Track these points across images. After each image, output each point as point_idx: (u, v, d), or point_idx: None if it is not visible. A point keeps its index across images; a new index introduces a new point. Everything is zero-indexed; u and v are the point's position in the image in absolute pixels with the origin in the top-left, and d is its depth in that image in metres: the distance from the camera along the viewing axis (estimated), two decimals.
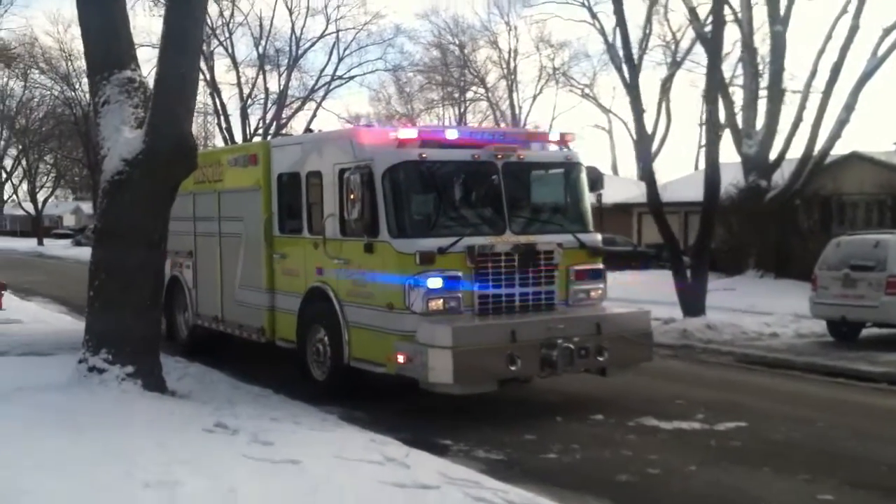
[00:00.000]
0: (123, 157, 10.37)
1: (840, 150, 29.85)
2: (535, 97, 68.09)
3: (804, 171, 27.88)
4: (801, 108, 29.23)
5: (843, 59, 26.44)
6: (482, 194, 11.54)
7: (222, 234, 14.88)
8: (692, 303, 19.83)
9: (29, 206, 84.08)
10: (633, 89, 21.02)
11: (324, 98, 57.50)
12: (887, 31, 27.07)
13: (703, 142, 23.99)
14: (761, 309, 22.66)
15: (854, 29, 25.39)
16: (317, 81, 56.60)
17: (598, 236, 11.98)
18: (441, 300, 10.76)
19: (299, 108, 57.31)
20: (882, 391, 13.22)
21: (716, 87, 20.58)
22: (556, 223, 11.92)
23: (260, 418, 9.86)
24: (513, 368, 10.39)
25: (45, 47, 62.49)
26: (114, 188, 10.43)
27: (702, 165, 52.05)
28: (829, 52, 29.00)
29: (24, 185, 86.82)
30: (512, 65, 66.54)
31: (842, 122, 27.99)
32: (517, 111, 66.28)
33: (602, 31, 45.78)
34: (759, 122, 29.80)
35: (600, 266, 11.95)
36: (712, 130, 20.14)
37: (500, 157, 11.34)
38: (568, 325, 10.82)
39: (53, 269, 44.64)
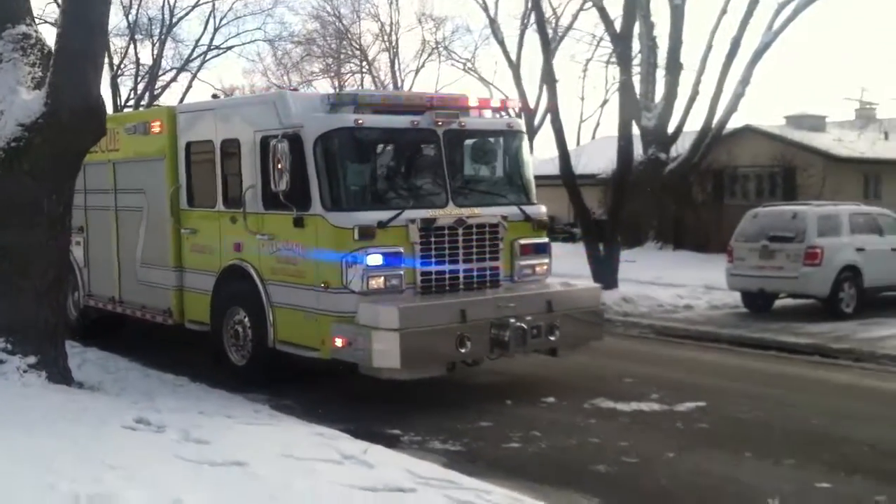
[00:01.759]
0: (20, 122, 9.05)
1: (733, 123, 30.00)
2: (417, 70, 67.09)
3: (702, 144, 27.91)
4: (698, 81, 29.28)
5: (742, 32, 26.50)
6: (422, 164, 10.69)
7: (119, 207, 13.55)
8: (606, 276, 19.40)
9: None
10: (549, 76, 20.45)
11: (199, 69, 55.30)
12: (782, 6, 27.19)
13: (584, 115, 23.64)
14: (667, 281, 22.54)
15: (755, 2, 25.35)
16: (192, 51, 54.34)
17: (543, 208, 11.25)
18: (382, 278, 9.87)
19: (173, 80, 54.96)
20: (824, 364, 12.96)
21: (628, 57, 20.17)
22: (499, 194, 11.13)
23: (185, 411, 8.81)
24: (463, 350, 9.61)
25: None
26: (10, 157, 9.10)
27: (584, 140, 52.12)
28: (723, 27, 29.09)
29: None
30: (394, 38, 65.40)
31: (738, 96, 28.12)
32: (399, 84, 65.24)
33: (484, 7, 45.46)
34: (658, 96, 29.70)
35: (545, 240, 11.24)
36: (627, 101, 19.72)
37: (440, 123, 10.46)
38: (519, 304, 10.08)
39: None
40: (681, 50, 28.68)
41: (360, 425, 9.16)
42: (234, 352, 11.29)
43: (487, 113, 11.35)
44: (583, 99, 55.51)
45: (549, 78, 20.49)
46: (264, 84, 70.14)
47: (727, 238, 30.27)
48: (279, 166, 9.94)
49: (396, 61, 66.64)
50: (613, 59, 45.77)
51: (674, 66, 28.38)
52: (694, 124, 29.66)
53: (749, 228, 18.09)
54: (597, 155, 35.74)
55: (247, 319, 11.06)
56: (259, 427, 8.39)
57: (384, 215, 9.91)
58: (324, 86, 69.15)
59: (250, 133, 10.85)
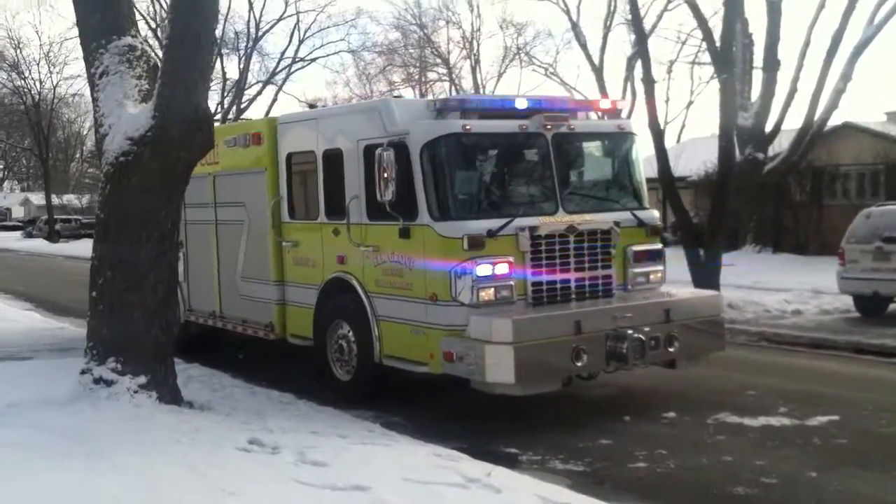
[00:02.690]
0: (129, 136, 8.90)
1: (832, 121, 28.94)
2: (499, 76, 66.76)
3: (803, 142, 26.87)
4: (796, 78, 28.14)
5: (844, 27, 25.30)
6: (530, 169, 10.28)
7: (219, 221, 13.45)
8: (707, 281, 18.70)
9: None
10: (648, 84, 19.90)
11: (284, 82, 55.81)
12: None
13: (668, 118, 22.87)
14: (770, 285, 21.81)
15: None
16: (278, 64, 54.85)
17: (656, 213, 10.77)
18: (492, 289, 9.49)
19: (259, 93, 55.54)
20: None
21: (729, 55, 19.51)
22: (610, 200, 10.67)
23: (297, 432, 8.55)
24: (579, 364, 9.17)
25: None
26: (119, 172, 8.97)
27: (668, 143, 51.19)
28: (821, 21, 28.00)
29: None
30: (475, 45, 65.16)
31: (839, 92, 26.87)
32: (481, 91, 64.95)
33: (566, 10, 44.78)
34: (754, 95, 28.73)
35: (659, 246, 10.74)
36: (728, 101, 19.03)
37: (548, 127, 10.06)
38: (636, 314, 9.61)
39: (8, 263, 42.58)
40: (778, 47, 27.65)
41: (474, 444, 8.80)
42: (339, 367, 11.04)
43: (595, 115, 10.91)
44: (667, 101, 54.23)
45: (647, 77, 19.93)
46: (346, 95, 70.65)
47: (827, 240, 29.62)
48: (384, 175, 9.65)
49: (478, 68, 66.44)
50: (699, 60, 44.84)
51: (771, 64, 27.24)
52: (792, 123, 28.65)
53: (861, 229, 17.28)
54: (685, 157, 34.94)
55: (351, 334, 10.80)
56: (374, 447, 8.08)
57: (493, 224, 9.55)
58: (407, 95, 69.35)
59: (353, 142, 10.60)
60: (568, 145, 10.39)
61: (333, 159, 11.01)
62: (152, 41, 42.12)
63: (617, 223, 10.24)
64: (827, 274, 22.37)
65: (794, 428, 9.12)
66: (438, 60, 66.73)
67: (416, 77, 68.18)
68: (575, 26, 44.43)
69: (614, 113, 10.92)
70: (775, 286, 21.31)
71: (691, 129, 55.94)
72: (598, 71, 42.99)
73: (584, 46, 43.19)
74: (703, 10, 23.16)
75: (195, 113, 8.81)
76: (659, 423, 9.45)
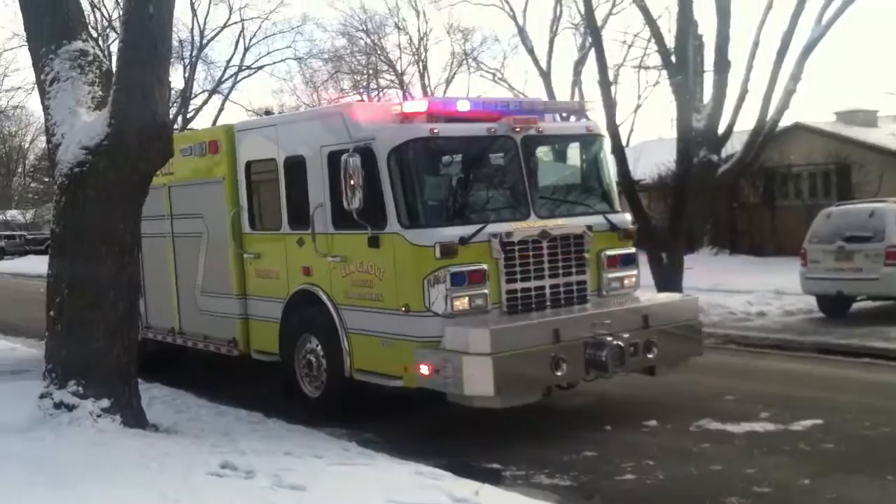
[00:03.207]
0: (84, 145, 8.46)
1: (782, 122, 29.13)
2: (448, 82, 66.50)
3: (755, 143, 26.99)
4: (746, 79, 28.23)
5: (793, 27, 25.45)
6: (500, 174, 10.01)
7: (176, 234, 13.00)
8: (670, 285, 18.60)
9: None
10: (605, 86, 19.80)
11: (230, 91, 55.05)
12: None
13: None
14: (729, 287, 21.79)
15: None
16: (224, 72, 54.10)
17: (628, 216, 10.57)
18: (466, 298, 9.20)
19: (205, 103, 54.74)
20: None
21: (682, 57, 19.47)
22: (582, 203, 10.44)
23: (271, 453, 8.17)
24: (558, 373, 8.90)
25: None
26: (74, 183, 8.53)
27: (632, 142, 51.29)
28: (769, 21, 28.18)
29: None
30: (422, 51, 64.89)
31: (789, 92, 26.99)
32: (429, 96, 64.67)
33: (513, 16, 44.73)
34: (706, 97, 28.82)
35: (633, 250, 10.52)
36: (683, 102, 18.96)
37: (517, 130, 9.79)
38: (614, 320, 9.37)
39: None
40: (728, 47, 27.76)
41: (454, 459, 8.49)
42: (308, 383, 10.67)
43: (562, 117, 10.69)
44: (614, 105, 54.40)
45: (603, 80, 19.83)
46: (294, 103, 69.92)
47: (782, 240, 29.80)
48: (351, 182, 9.33)
49: (426, 74, 66.16)
50: (646, 63, 44.82)
51: (722, 65, 27.22)
52: (742, 124, 28.78)
53: (823, 229, 17.25)
54: (635, 160, 34.93)
55: (320, 348, 10.44)
56: (353, 467, 7.73)
57: (465, 231, 9.26)
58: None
59: (317, 149, 10.26)
60: (537, 148, 10.16)
61: (295, 167, 10.65)
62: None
63: (590, 227, 10.01)
64: (785, 275, 22.42)
65: (780, 433, 8.93)
66: (387, 66, 66.35)
67: (365, 84, 67.75)
68: (521, 31, 44.34)
69: (583, 113, 10.71)
70: (736, 288, 21.28)
71: (639, 134, 56.15)
72: (545, 75, 42.94)
73: (531, 51, 43.14)
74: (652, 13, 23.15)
75: (153, 119, 8.40)
76: (641, 432, 9.21)
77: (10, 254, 62.54)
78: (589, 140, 10.57)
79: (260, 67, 54.87)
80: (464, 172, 9.92)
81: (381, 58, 65.61)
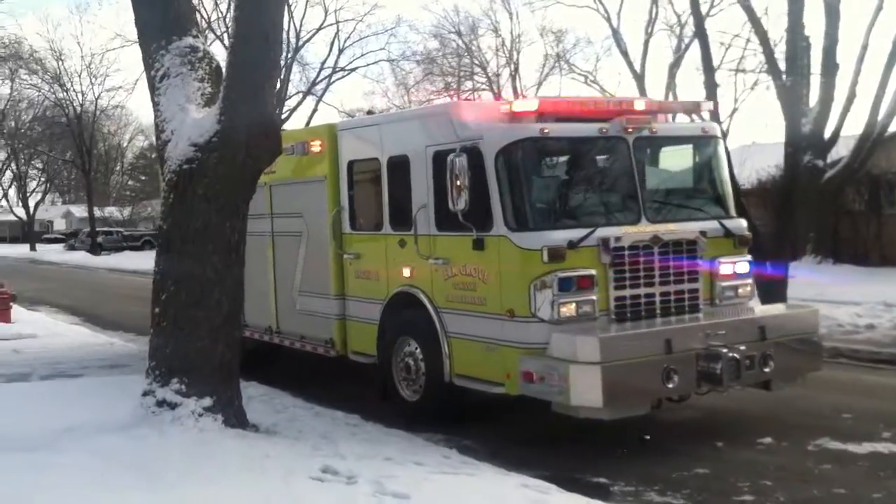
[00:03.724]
0: (193, 142, 8.39)
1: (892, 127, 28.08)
2: (539, 84, 65.98)
3: (863, 149, 26.09)
4: (854, 82, 27.39)
5: None
6: (611, 176, 9.66)
7: (275, 232, 12.93)
8: (775, 294, 17.92)
9: (19, 211, 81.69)
10: (710, 88, 19.25)
11: (324, 92, 55.50)
12: None
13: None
14: (834, 297, 20.92)
15: None
16: (318, 73, 54.56)
17: (744, 222, 10.11)
18: (574, 304, 8.88)
19: (299, 104, 55.26)
20: None
21: (798, 58, 18.83)
22: (695, 208, 10.03)
23: (371, 458, 7.98)
24: (669, 386, 8.52)
25: (33, 47, 60.08)
26: (183, 180, 8.46)
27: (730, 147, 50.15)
28: (878, 23, 27.22)
29: (14, 190, 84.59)
30: (514, 54, 64.49)
31: None
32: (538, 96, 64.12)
33: (607, 17, 44.08)
34: (812, 100, 27.96)
35: (748, 257, 10.07)
36: (794, 105, 18.32)
37: (630, 130, 9.44)
38: (729, 331, 8.94)
39: (52, 276, 42.59)
40: (836, 49, 26.88)
41: (558, 472, 8.19)
42: (405, 386, 10.47)
43: (678, 118, 10.29)
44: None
45: (709, 81, 19.27)
46: (384, 105, 70.19)
47: (888, 250, 28.66)
48: (457, 183, 9.10)
49: (518, 76, 65.75)
50: (742, 66, 43.76)
51: (830, 68, 26.56)
52: (850, 129, 27.83)
53: None
54: (740, 164, 34.07)
55: (419, 351, 10.23)
56: (457, 477, 7.49)
57: (574, 234, 8.94)
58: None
59: (421, 148, 10.05)
60: (650, 149, 9.79)
61: (399, 167, 10.46)
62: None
63: (703, 233, 9.60)
64: (893, 286, 21.59)
65: None
66: (478, 69, 66.11)
67: (456, 86, 67.64)
68: (615, 33, 43.72)
69: (698, 115, 10.30)
70: (842, 298, 20.45)
71: (735, 137, 54.80)
72: (639, 78, 42.27)
73: (624, 53, 42.54)
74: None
75: (263, 116, 8.29)
76: (756, 450, 8.77)
77: (106, 249, 64.17)
78: (704, 141, 10.15)
79: (354, 69, 55.14)
80: (573, 174, 9.61)
81: (475, 59, 65.43)
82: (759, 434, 9.16)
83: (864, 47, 27.38)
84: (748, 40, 31.37)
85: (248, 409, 9.58)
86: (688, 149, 10.21)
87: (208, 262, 8.41)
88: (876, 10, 26.70)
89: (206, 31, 46.47)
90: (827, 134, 27.79)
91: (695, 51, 56.67)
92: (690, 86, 57.46)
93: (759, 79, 36.44)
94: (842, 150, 27.79)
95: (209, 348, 8.45)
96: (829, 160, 28.22)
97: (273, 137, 8.44)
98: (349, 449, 8.24)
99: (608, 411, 8.39)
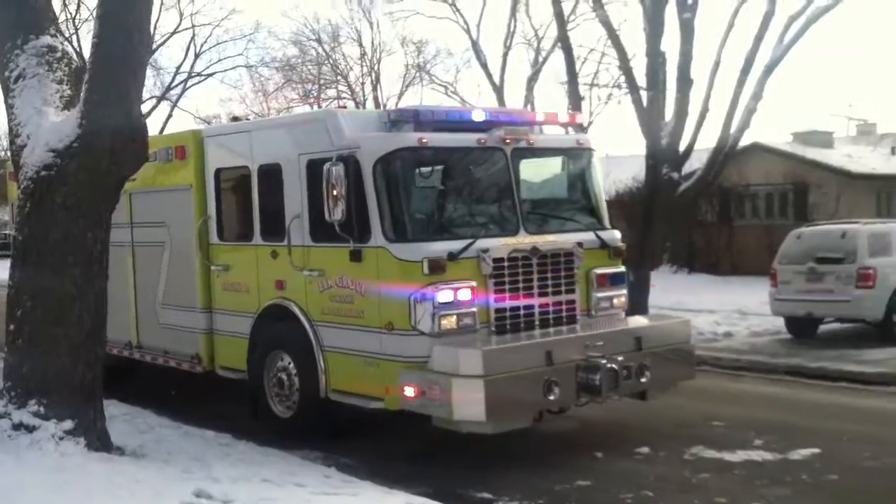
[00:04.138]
0: (51, 147, 7.82)
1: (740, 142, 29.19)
2: (400, 95, 65.99)
3: (716, 162, 26.93)
4: (707, 97, 28.23)
5: (757, 46, 25.55)
6: (490, 186, 9.57)
7: (135, 243, 12.33)
8: (637, 304, 18.28)
9: None
10: (574, 99, 19.49)
11: (179, 98, 53.94)
12: (793, 18, 26.28)
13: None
14: (691, 306, 21.55)
15: (769, 15, 24.45)
16: (173, 78, 53.00)
17: (618, 233, 10.18)
18: (454, 317, 8.74)
19: (154, 108, 53.55)
20: None
21: (657, 74, 19.27)
22: (572, 219, 10.05)
23: (247, 480, 7.63)
24: (551, 398, 8.46)
25: None
26: (40, 188, 7.87)
27: None
28: (730, 41, 28.24)
29: None
30: (375, 63, 64.30)
31: (750, 111, 26.99)
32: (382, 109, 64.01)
33: (467, 29, 44.52)
34: (667, 114, 28.74)
35: (622, 269, 10.15)
36: (653, 118, 18.74)
37: (508, 141, 9.38)
38: (607, 342, 8.97)
39: None
40: (691, 65, 27.71)
41: (441, 487, 8.05)
42: (278, 402, 10.12)
43: (552, 129, 10.31)
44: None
45: (573, 92, 19.50)
46: (242, 112, 68.84)
47: (738, 259, 29.79)
48: (333, 193, 8.82)
49: (379, 86, 65.59)
50: (597, 81, 44.74)
51: (684, 83, 27.22)
52: (702, 143, 28.75)
53: (793, 250, 17.08)
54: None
55: (292, 366, 9.90)
56: (339, 498, 7.22)
57: (454, 245, 8.81)
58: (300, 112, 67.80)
59: (294, 156, 9.73)
60: (527, 161, 9.74)
61: (270, 175, 10.12)
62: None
63: (580, 244, 9.62)
64: (746, 294, 22.39)
65: (778, 463, 8.59)
66: (339, 77, 65.62)
67: (315, 94, 67.00)
68: (475, 45, 44.02)
69: (573, 126, 10.34)
70: (699, 307, 21.12)
71: None
72: (498, 90, 42.70)
73: (484, 66, 42.89)
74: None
75: (128, 120, 7.80)
76: (634, 460, 8.81)
77: None
78: (579, 153, 10.20)
79: (210, 74, 53.77)
80: (451, 184, 9.46)
81: (336, 68, 64.91)
82: (635, 444, 9.21)
83: (717, 63, 28.26)
84: (603, 54, 32.18)
85: (111, 430, 9.03)
86: (563, 160, 10.24)
87: (68, 275, 7.85)
88: (728, 27, 27.69)
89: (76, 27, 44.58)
90: (682, 147, 28.64)
91: (551, 65, 57.51)
92: (547, 98, 58.37)
93: (612, 93, 37.48)
94: (693, 164, 28.73)
95: (69, 367, 7.90)
96: (683, 173, 29.12)
97: (140, 142, 7.96)
98: (223, 471, 7.86)
99: (492, 425, 8.28)
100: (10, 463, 7.41)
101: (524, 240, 9.25)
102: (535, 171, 9.95)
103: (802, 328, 16.93)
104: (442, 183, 9.42)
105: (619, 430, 9.82)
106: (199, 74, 53.17)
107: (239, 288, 10.66)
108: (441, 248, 8.75)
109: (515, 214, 9.34)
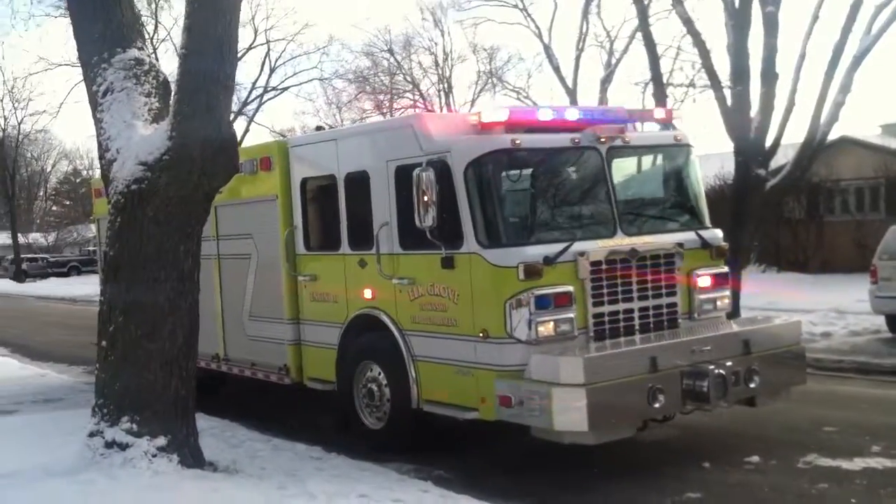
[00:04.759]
0: (141, 160, 7.72)
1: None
2: (473, 102, 65.83)
3: (805, 157, 26.13)
4: (794, 91, 27.43)
5: (845, 38, 24.71)
6: (585, 187, 9.23)
7: (221, 255, 12.26)
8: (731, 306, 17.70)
9: None
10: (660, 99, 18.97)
11: (256, 112, 54.62)
12: (880, 8, 25.40)
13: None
14: (784, 306, 20.86)
15: (857, 4, 23.63)
16: (250, 93, 53.65)
17: (720, 232, 9.75)
18: (551, 323, 8.40)
19: (231, 122, 54.18)
20: None
21: (744, 68, 18.70)
22: (671, 219, 9.66)
23: (344, 496, 7.40)
24: (656, 406, 8.07)
25: None
26: (131, 202, 7.77)
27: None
28: (815, 33, 27.40)
29: None
30: (447, 70, 64.25)
31: (838, 105, 26.18)
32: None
33: (538, 34, 44.16)
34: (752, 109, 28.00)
35: (725, 269, 9.71)
36: (742, 115, 18.16)
37: (603, 140, 9.02)
38: (714, 346, 8.55)
39: None
40: (776, 59, 26.95)
41: (544, 501, 7.70)
42: (368, 414, 9.91)
43: (649, 126, 9.92)
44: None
45: (659, 93, 19.03)
46: (315, 124, 69.13)
47: (828, 257, 28.87)
48: (424, 199, 8.57)
49: (451, 93, 65.51)
50: (672, 80, 43.99)
51: (770, 76, 26.49)
52: (790, 137, 27.94)
53: (894, 245, 16.36)
54: None
55: (383, 376, 9.68)
56: None
57: (550, 250, 8.47)
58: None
59: (382, 163, 9.52)
60: (623, 160, 9.38)
61: (357, 183, 9.92)
62: None
63: (680, 244, 9.21)
64: (839, 292, 21.65)
65: None
66: (411, 87, 65.74)
67: (388, 104, 67.20)
68: (547, 48, 43.74)
69: (669, 123, 9.94)
70: (792, 307, 20.40)
71: None
72: (571, 93, 42.26)
73: (556, 69, 42.56)
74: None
75: (218, 132, 7.66)
76: (745, 470, 8.37)
77: (32, 276, 62.21)
78: (677, 151, 9.79)
79: (286, 88, 54.38)
80: (546, 187, 9.14)
81: (407, 77, 65.09)
82: (744, 453, 8.77)
83: (802, 56, 27.50)
84: (678, 51, 31.51)
85: (201, 444, 8.92)
86: (661, 158, 9.84)
87: (160, 290, 7.73)
88: (812, 19, 26.88)
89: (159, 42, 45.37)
90: (768, 143, 27.88)
91: (623, 66, 56.64)
92: (620, 100, 57.34)
93: (687, 91, 36.77)
94: (779, 160, 27.95)
95: (162, 383, 7.77)
96: (769, 169, 28.34)
97: (229, 154, 7.81)
98: (318, 487, 7.64)
99: (594, 435, 7.93)
100: (103, 482, 7.29)
101: (622, 241, 8.88)
102: (631, 170, 9.58)
103: None
104: (535, 185, 9.09)
105: (725, 438, 9.37)
106: (274, 89, 53.89)
107: (327, 298, 10.48)
108: (536, 252, 8.43)
109: (612, 215, 8.99)
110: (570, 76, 42.82)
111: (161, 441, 7.69)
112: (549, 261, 8.40)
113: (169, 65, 36.16)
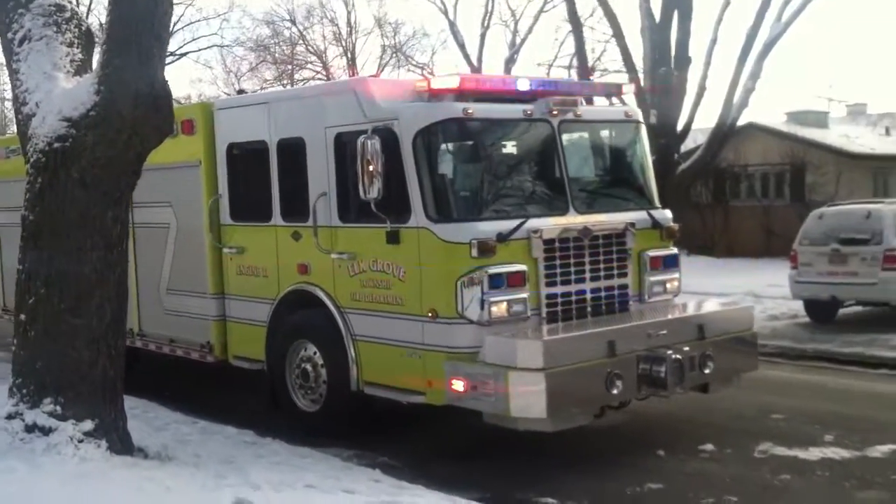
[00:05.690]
0: (65, 116, 6.93)
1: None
2: (377, 76, 64.92)
3: (716, 142, 26.41)
4: (704, 76, 27.68)
5: (759, 24, 25.10)
6: (536, 162, 8.82)
7: (137, 224, 11.36)
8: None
9: None
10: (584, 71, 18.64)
11: None
12: None
13: None
14: (699, 289, 20.85)
15: None
16: None
17: (669, 213, 9.46)
18: (505, 303, 7.97)
19: (166, 79, 52.13)
20: None
21: (669, 53, 18.56)
22: (622, 198, 9.31)
23: (290, 486, 6.84)
24: (613, 392, 7.72)
25: None
26: (53, 161, 6.98)
27: None
28: (726, 19, 27.69)
29: None
30: (350, 44, 63.23)
31: (748, 91, 26.67)
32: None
33: (444, 10, 43.87)
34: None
35: (675, 250, 9.43)
36: (666, 98, 18.04)
37: (555, 113, 8.61)
38: (670, 330, 8.25)
39: None
40: (689, 44, 27.09)
41: (498, 492, 7.37)
42: (302, 395, 9.35)
43: (599, 101, 9.54)
44: None
45: (583, 75, 18.76)
46: (214, 92, 67.44)
47: (734, 241, 29.24)
48: (369, 169, 8.01)
49: (354, 64, 64.48)
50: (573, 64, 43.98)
51: (683, 61, 26.75)
52: (700, 122, 28.19)
53: (814, 230, 16.40)
54: None
55: (318, 356, 9.13)
56: None
57: (503, 226, 8.03)
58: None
59: (320, 130, 8.92)
60: (575, 134, 9.00)
61: (292, 150, 9.30)
62: None
63: (632, 224, 8.88)
64: (749, 276, 21.83)
65: (860, 461, 7.90)
66: (313, 58, 64.42)
67: (290, 74, 65.83)
68: (452, 25, 43.48)
69: (619, 97, 9.60)
70: (705, 290, 20.43)
71: None
72: (476, 71, 42.04)
73: (461, 46, 42.46)
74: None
75: (152, 87, 6.92)
76: (701, 459, 8.11)
77: None
78: (627, 127, 9.45)
79: (184, 54, 52.45)
80: (498, 159, 8.67)
81: (309, 48, 63.73)
82: (696, 440, 8.52)
83: (714, 41, 27.75)
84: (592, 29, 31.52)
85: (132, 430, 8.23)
86: (612, 134, 9.49)
87: (86, 260, 6.97)
88: (724, 5, 27.09)
89: None
90: (679, 127, 28.04)
91: (528, 47, 56.40)
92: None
93: (601, 74, 36.89)
94: (687, 144, 28.15)
95: (89, 361, 7.03)
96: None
97: (164, 113, 7.07)
98: (260, 475, 7.05)
99: (552, 422, 7.54)
100: (23, 471, 6.53)
101: (574, 220, 8.50)
102: (583, 145, 9.21)
103: (823, 312, 16.30)
104: (486, 158, 8.61)
105: (675, 425, 9.12)
106: (172, 54, 51.83)
107: (256, 272, 9.85)
108: (489, 228, 7.98)
109: (564, 192, 8.59)
110: (475, 54, 42.61)
111: (88, 425, 6.95)
112: (502, 238, 7.97)
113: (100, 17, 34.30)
